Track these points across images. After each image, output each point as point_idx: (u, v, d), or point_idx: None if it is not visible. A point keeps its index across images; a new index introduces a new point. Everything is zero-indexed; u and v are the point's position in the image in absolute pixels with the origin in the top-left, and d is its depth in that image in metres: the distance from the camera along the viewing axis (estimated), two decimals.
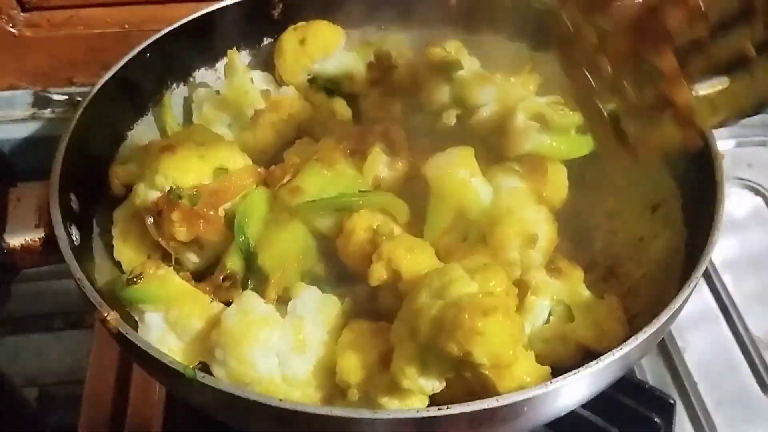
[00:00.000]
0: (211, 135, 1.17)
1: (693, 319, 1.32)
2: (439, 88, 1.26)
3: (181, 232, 1.04)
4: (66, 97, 1.49)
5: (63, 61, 1.48)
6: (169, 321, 0.99)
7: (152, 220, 1.06)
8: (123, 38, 1.46)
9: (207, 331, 0.97)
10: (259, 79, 1.33)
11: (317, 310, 0.98)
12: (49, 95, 1.49)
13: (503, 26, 1.36)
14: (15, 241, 1.00)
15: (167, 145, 1.09)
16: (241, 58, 1.31)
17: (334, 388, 0.95)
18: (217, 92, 1.29)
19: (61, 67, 1.49)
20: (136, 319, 1.01)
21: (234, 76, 1.25)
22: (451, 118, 1.21)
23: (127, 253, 1.11)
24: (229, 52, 1.27)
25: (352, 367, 0.91)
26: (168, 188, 1.06)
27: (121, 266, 1.10)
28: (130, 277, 0.98)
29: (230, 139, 1.24)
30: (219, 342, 0.93)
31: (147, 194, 1.08)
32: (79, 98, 1.48)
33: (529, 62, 1.29)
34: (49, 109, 1.50)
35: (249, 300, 0.96)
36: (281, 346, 0.94)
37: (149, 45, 1.22)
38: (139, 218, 1.09)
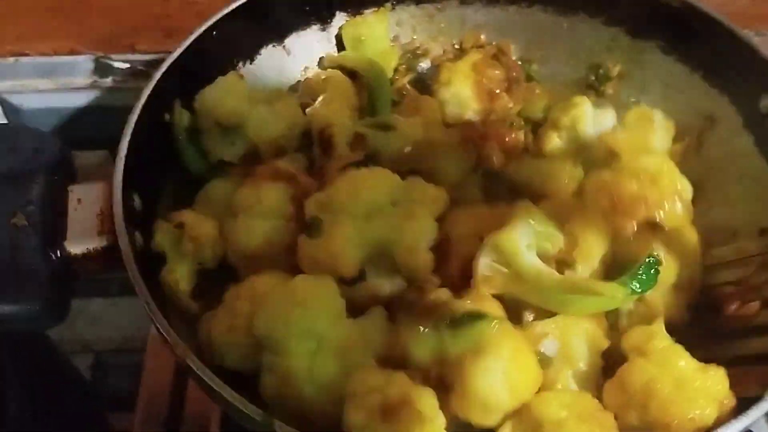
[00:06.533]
0: None
1: None
2: None
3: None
4: (128, 65, 1.42)
5: (125, 27, 1.41)
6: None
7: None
8: (187, 6, 1.38)
9: None
10: None
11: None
12: (111, 62, 1.42)
13: (601, 8, 1.23)
14: (76, 249, 0.92)
15: None
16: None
17: None
18: None
19: (124, 32, 1.42)
20: None
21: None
22: None
23: None
24: None
25: None
26: None
27: None
28: None
29: None
30: None
31: None
32: (140, 67, 1.42)
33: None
34: (110, 78, 1.42)
35: None
36: None
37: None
38: None
